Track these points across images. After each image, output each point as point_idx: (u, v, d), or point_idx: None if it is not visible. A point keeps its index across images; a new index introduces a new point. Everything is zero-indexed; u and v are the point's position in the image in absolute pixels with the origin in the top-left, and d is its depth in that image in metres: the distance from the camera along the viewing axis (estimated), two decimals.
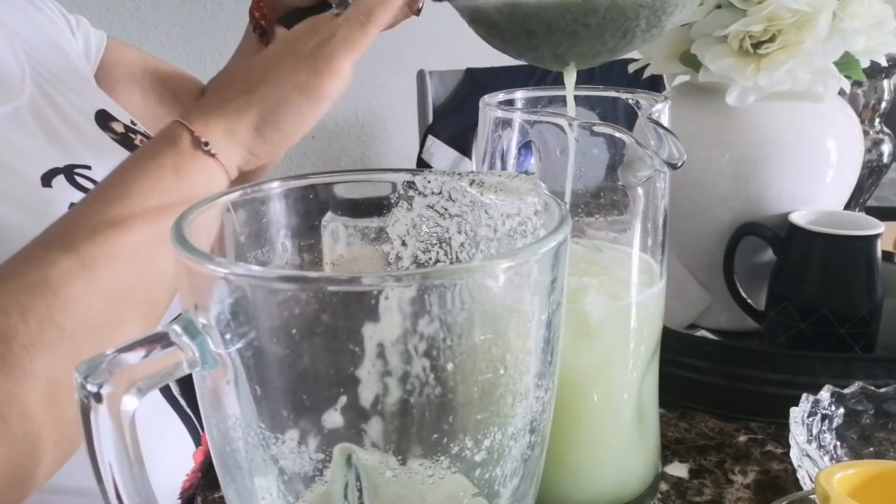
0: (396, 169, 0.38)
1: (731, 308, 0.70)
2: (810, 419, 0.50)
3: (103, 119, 0.65)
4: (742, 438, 0.57)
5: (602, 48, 0.41)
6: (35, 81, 0.62)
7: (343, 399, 0.29)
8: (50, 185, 0.53)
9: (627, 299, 0.44)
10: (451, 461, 0.30)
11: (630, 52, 0.43)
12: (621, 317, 0.44)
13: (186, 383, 0.61)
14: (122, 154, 0.63)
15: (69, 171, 0.54)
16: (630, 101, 0.46)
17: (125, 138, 0.65)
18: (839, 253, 0.62)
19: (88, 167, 0.56)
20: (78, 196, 0.53)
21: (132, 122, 0.68)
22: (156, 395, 0.59)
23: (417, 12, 0.64)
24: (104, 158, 0.61)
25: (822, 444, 0.51)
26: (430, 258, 0.39)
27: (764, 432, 0.58)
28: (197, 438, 0.61)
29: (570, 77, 0.44)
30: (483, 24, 0.42)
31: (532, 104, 0.48)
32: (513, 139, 0.44)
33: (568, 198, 0.44)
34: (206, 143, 0.50)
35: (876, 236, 0.61)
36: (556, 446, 0.39)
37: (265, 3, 0.71)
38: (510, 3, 0.40)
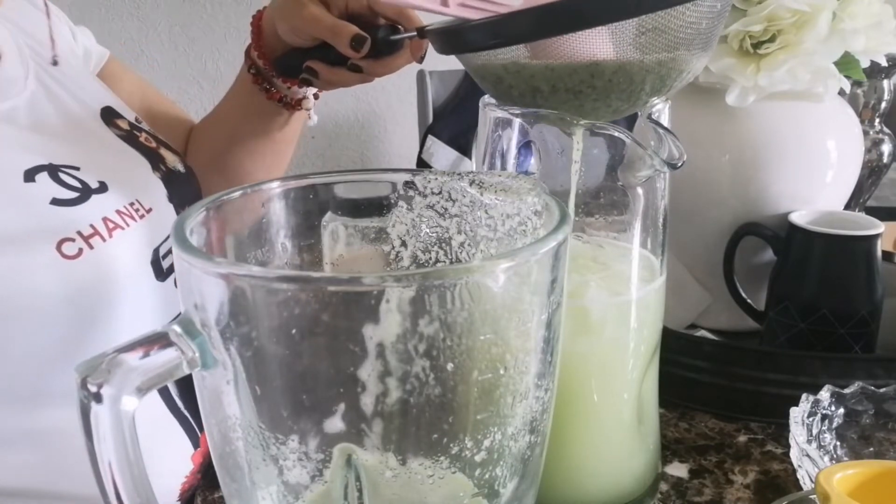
0: (396, 169, 0.38)
1: (731, 308, 0.70)
2: (810, 419, 0.50)
3: (109, 116, 0.65)
4: (742, 438, 0.57)
5: (606, 109, 0.41)
6: (39, 79, 0.62)
7: (343, 399, 0.29)
8: (33, 180, 0.53)
9: (628, 295, 0.44)
10: (451, 461, 0.30)
11: (634, 112, 0.43)
12: (621, 313, 0.44)
13: (184, 385, 0.61)
14: (126, 150, 0.63)
15: (54, 170, 0.55)
16: None
17: (130, 135, 0.65)
18: (839, 253, 0.62)
19: (77, 168, 0.56)
20: (61, 192, 0.53)
21: (136, 119, 0.68)
22: (154, 398, 0.59)
23: (420, 60, 0.65)
24: (108, 155, 0.61)
25: (822, 444, 0.51)
26: (430, 258, 0.39)
27: (764, 432, 0.58)
28: (195, 440, 0.61)
29: (577, 136, 0.44)
30: (489, 79, 0.43)
31: None
32: (513, 139, 0.44)
33: (572, 205, 0.44)
34: None
35: (876, 236, 0.61)
36: (556, 446, 0.39)
37: (265, 43, 0.71)
38: (517, 62, 0.41)
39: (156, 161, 0.64)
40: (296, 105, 0.74)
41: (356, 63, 0.63)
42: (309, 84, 0.69)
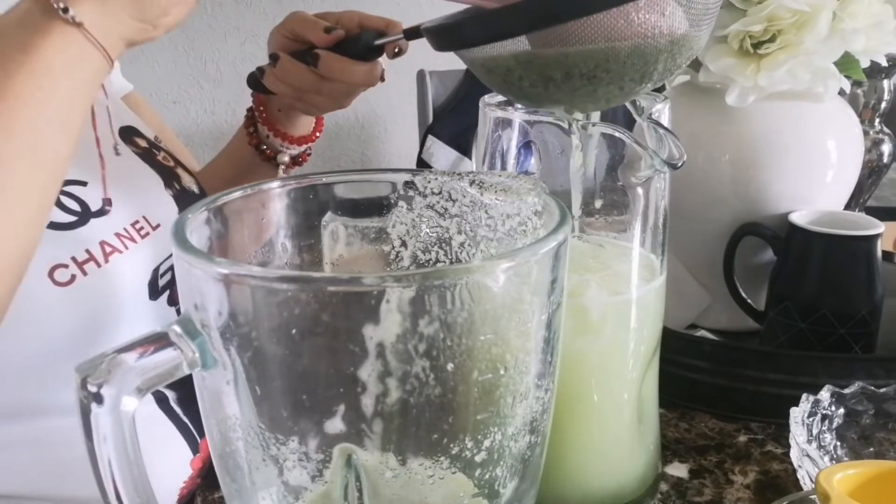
0: (396, 169, 0.38)
1: (731, 308, 0.70)
2: (810, 419, 0.50)
3: (128, 134, 0.65)
4: (742, 438, 0.57)
5: (619, 92, 0.41)
6: None
7: (343, 399, 0.29)
8: None
9: (628, 294, 0.44)
10: (451, 461, 0.30)
11: (644, 93, 0.43)
12: (621, 312, 0.44)
13: (183, 392, 0.61)
14: (140, 166, 0.63)
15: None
16: (630, 102, 0.46)
17: (147, 153, 0.65)
18: (839, 253, 0.62)
19: (84, 183, 0.56)
20: (59, 215, 0.53)
21: (155, 138, 0.69)
22: (152, 406, 0.59)
23: (382, 78, 0.67)
24: (120, 170, 0.61)
25: (822, 444, 0.51)
26: (430, 258, 0.39)
27: (764, 432, 0.58)
28: (194, 446, 0.61)
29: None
30: (498, 72, 0.42)
31: None
32: (513, 139, 0.44)
33: (576, 210, 0.44)
34: (65, 9, 0.45)
35: (876, 236, 0.61)
36: (556, 446, 0.39)
37: (266, 107, 0.75)
38: (529, 52, 0.40)
39: (170, 179, 0.64)
40: (279, 164, 0.78)
41: (317, 52, 0.64)
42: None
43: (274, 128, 0.76)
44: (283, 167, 0.78)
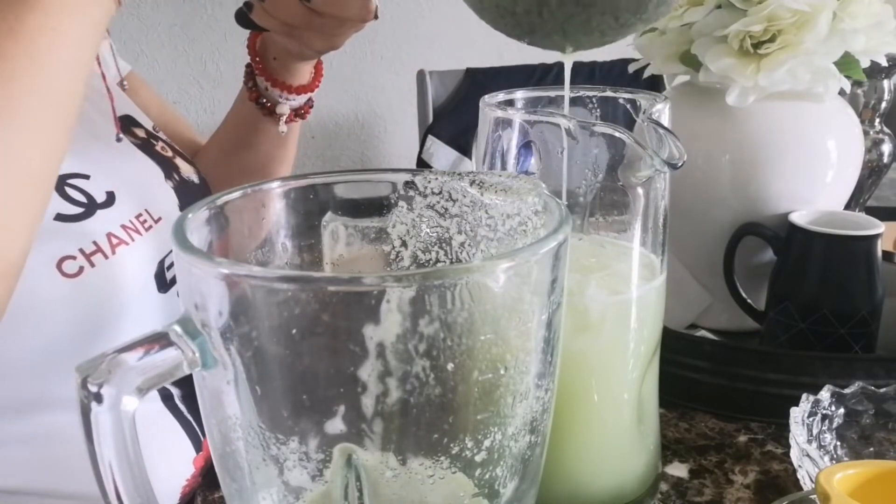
0: (396, 169, 0.38)
1: (731, 308, 0.70)
2: (810, 419, 0.50)
3: (126, 124, 0.65)
4: (742, 438, 0.57)
5: (614, 23, 0.40)
6: None
7: (343, 399, 0.29)
8: None
9: (628, 294, 0.44)
10: (452, 461, 0.30)
11: (636, 31, 0.42)
12: (621, 312, 0.44)
13: (187, 389, 0.61)
14: (140, 158, 0.63)
15: (61, 181, 0.54)
16: (630, 102, 0.46)
17: (146, 143, 0.65)
18: (839, 253, 0.62)
19: (87, 177, 0.56)
20: (66, 207, 0.53)
21: (154, 128, 0.69)
22: (157, 402, 0.59)
23: (375, 16, 0.63)
24: (120, 163, 0.61)
25: (822, 444, 0.51)
26: (431, 258, 0.39)
27: (764, 432, 0.58)
28: (198, 444, 0.61)
29: (569, 61, 0.43)
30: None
31: (532, 104, 0.48)
32: (513, 139, 0.44)
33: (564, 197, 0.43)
34: None
35: (876, 236, 0.61)
36: (556, 446, 0.39)
37: (262, 54, 0.73)
38: None
39: (169, 170, 0.64)
40: (279, 115, 0.76)
41: None
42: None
43: (272, 78, 0.74)
44: (283, 119, 0.76)
